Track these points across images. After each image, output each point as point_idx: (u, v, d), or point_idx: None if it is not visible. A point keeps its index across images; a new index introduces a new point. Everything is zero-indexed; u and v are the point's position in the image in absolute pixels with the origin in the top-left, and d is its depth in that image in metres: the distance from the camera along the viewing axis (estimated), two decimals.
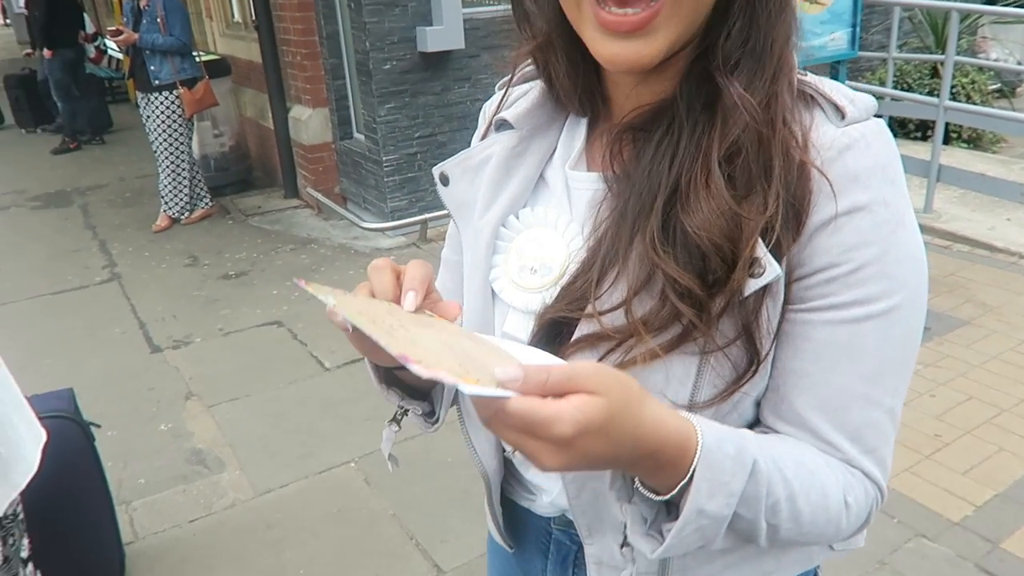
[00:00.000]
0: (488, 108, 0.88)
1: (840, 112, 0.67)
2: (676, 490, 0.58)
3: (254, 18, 5.72)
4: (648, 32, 0.64)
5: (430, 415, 0.87)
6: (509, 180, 0.80)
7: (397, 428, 0.87)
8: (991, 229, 4.59)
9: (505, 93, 0.84)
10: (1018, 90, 7.72)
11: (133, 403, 3.36)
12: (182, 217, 5.61)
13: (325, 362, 3.62)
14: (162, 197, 5.56)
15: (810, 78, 0.70)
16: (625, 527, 0.63)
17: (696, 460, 0.57)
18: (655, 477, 0.59)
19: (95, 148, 8.38)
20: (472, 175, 0.82)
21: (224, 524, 2.60)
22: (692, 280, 0.63)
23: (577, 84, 0.75)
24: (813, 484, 0.65)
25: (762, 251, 0.63)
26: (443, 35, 4.75)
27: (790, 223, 0.64)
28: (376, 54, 4.73)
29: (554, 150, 0.80)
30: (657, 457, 0.57)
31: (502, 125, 0.82)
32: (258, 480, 2.81)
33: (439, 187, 0.84)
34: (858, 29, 4.96)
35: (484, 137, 0.85)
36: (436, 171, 0.84)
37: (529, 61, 0.80)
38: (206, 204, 5.75)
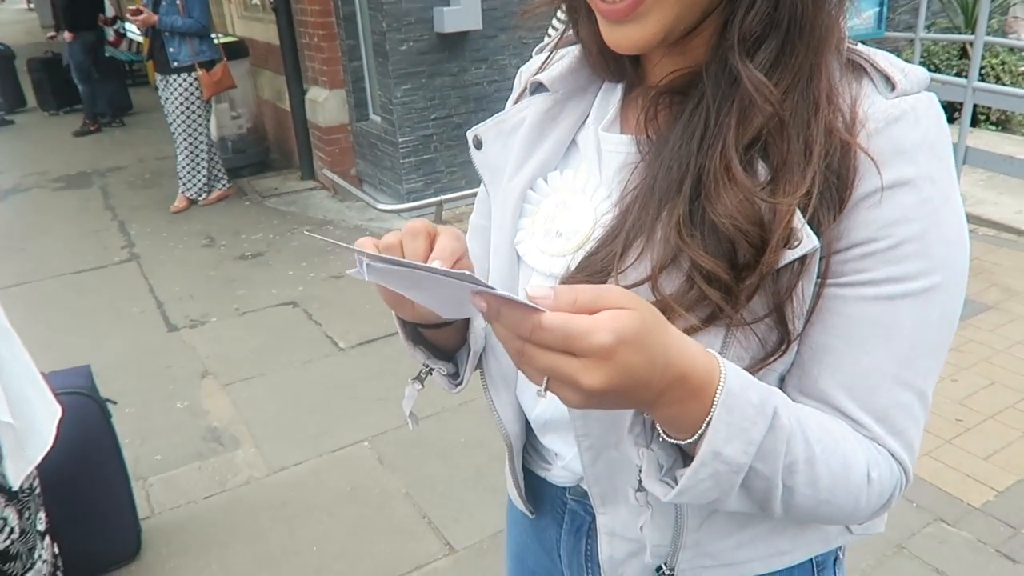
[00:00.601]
0: (524, 72, 0.88)
1: (891, 83, 0.64)
2: (699, 431, 0.56)
3: (272, 0, 5.71)
4: (638, 17, 0.63)
5: (454, 376, 0.87)
6: (541, 143, 0.79)
7: (420, 387, 0.87)
8: (1018, 213, 4.50)
9: (549, 57, 0.82)
10: None
11: (150, 381, 3.38)
12: (200, 198, 5.63)
13: (340, 342, 3.62)
14: (180, 179, 5.58)
15: (861, 48, 0.67)
16: (640, 471, 0.61)
17: (717, 399, 0.55)
18: (680, 414, 0.57)
19: (115, 130, 8.43)
20: (506, 138, 0.81)
21: (239, 501, 2.61)
22: (719, 265, 0.61)
23: (601, 46, 0.73)
24: (836, 452, 0.62)
25: (800, 222, 0.60)
26: (460, 15, 4.71)
27: (831, 201, 0.61)
28: (393, 35, 4.70)
29: (588, 114, 0.79)
30: (685, 383, 0.55)
31: (537, 88, 0.81)
32: (273, 458, 2.82)
33: (472, 151, 0.83)
34: (885, 8, 4.85)
35: (518, 100, 0.84)
36: (470, 135, 0.83)
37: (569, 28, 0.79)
38: (223, 185, 5.76)
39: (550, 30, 4.19)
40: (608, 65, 0.76)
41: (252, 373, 3.40)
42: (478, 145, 0.83)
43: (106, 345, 3.71)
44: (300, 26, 5.60)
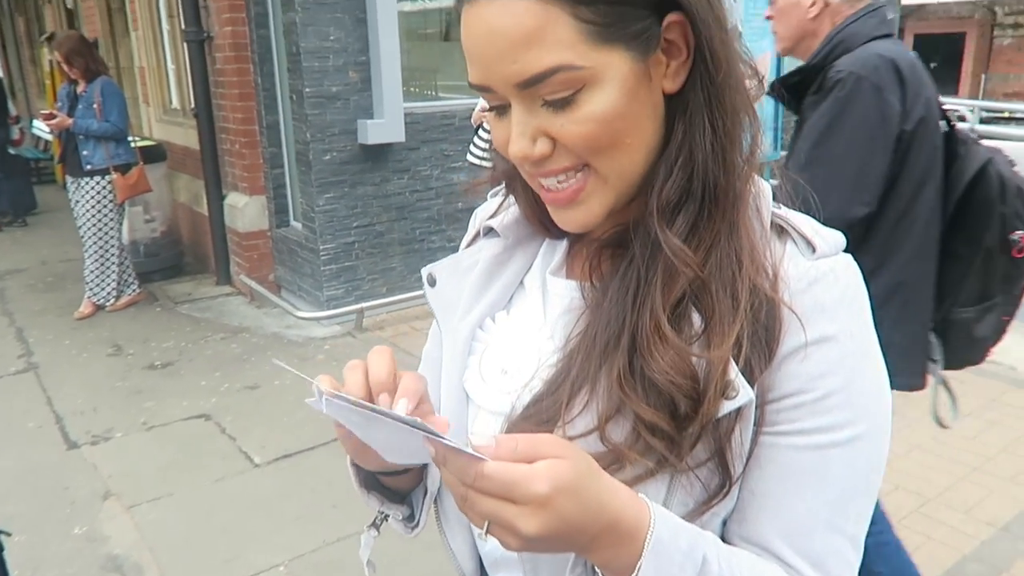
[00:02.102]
0: (479, 213, 0.92)
1: (811, 246, 0.70)
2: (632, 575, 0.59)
3: (193, 106, 5.73)
4: (582, 202, 0.69)
5: (410, 519, 0.88)
6: (491, 285, 0.82)
7: (376, 533, 0.87)
8: None
9: (502, 203, 0.87)
10: None
11: (45, 504, 3.14)
12: (107, 304, 5.42)
13: (255, 457, 3.48)
14: (87, 283, 5.38)
15: (783, 211, 0.73)
16: None
17: (647, 545, 0.58)
18: (613, 557, 0.59)
19: (17, 230, 8.10)
20: (459, 278, 0.84)
21: None
22: (660, 417, 0.64)
23: (540, 216, 0.79)
24: None
25: (734, 373, 0.64)
26: (384, 128, 4.85)
27: (762, 351, 0.66)
28: (316, 145, 4.78)
29: (535, 260, 0.83)
30: (616, 529, 0.58)
31: (489, 232, 0.85)
32: None
33: (426, 288, 0.86)
34: (780, 131, 5.29)
35: (472, 241, 0.89)
36: (424, 272, 0.86)
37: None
38: (133, 291, 5.58)
39: (472, 148, 4.36)
40: (549, 229, 0.81)
41: (159, 493, 3.21)
42: (432, 283, 0.85)
43: None
44: (222, 132, 5.62)
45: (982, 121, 7.58)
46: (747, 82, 0.71)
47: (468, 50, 0.66)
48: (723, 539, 0.72)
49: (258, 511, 3.08)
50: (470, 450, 0.54)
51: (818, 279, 0.68)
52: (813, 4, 1.87)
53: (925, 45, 18.97)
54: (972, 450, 3.36)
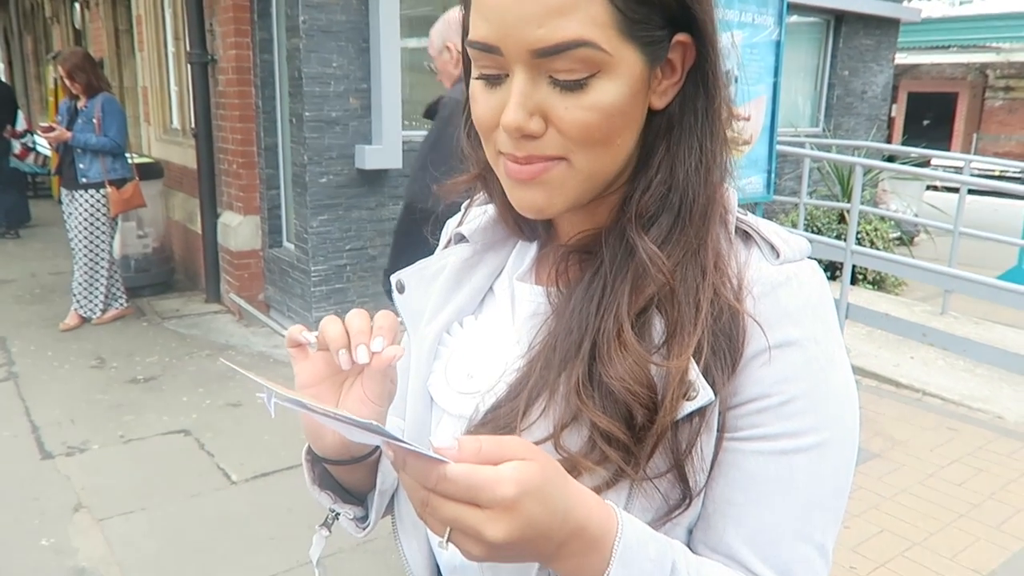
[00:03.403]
0: (451, 223, 0.91)
1: (775, 251, 0.68)
2: None
3: (193, 126, 5.76)
4: (544, 184, 0.66)
5: (362, 520, 0.85)
6: (459, 290, 0.81)
7: (327, 533, 0.84)
8: (896, 366, 4.83)
9: (467, 209, 0.86)
10: (916, 239, 8.37)
11: (14, 514, 3.07)
12: (93, 316, 5.38)
13: (232, 475, 3.42)
14: (74, 295, 5.34)
15: (749, 218, 0.72)
16: None
17: (614, 553, 0.56)
18: (580, 566, 0.57)
19: (8, 242, 8.07)
20: (427, 284, 0.83)
21: None
22: (616, 426, 0.63)
23: (515, 214, 0.77)
24: None
25: (695, 374, 0.63)
26: (381, 154, 4.87)
27: (725, 360, 0.64)
28: (313, 168, 4.79)
29: (505, 265, 0.82)
30: (583, 535, 0.55)
31: (460, 239, 0.84)
32: None
33: (395, 295, 0.84)
34: (773, 175, 5.33)
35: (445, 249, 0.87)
36: (393, 279, 0.84)
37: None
38: (121, 305, 5.54)
39: None
40: (522, 229, 0.80)
41: (132, 507, 3.14)
42: (401, 289, 0.84)
43: None
44: (220, 152, 5.65)
45: (975, 175, 7.69)
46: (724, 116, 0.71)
47: (487, 7, 0.62)
48: (689, 548, 0.70)
49: (232, 529, 3.01)
50: (431, 452, 0.51)
51: (782, 283, 0.67)
52: (454, 59, 2.61)
53: (918, 103, 19.38)
54: (960, 496, 3.33)
